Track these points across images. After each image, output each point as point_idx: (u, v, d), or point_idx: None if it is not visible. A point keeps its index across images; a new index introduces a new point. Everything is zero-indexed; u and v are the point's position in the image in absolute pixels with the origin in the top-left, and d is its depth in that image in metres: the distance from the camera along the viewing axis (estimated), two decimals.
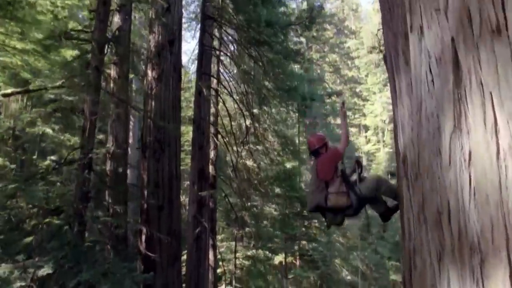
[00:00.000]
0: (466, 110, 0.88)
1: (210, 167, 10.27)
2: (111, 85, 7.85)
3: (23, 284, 4.09)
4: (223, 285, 11.03)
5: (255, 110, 9.64)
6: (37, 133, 4.89)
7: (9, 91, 4.70)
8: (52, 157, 5.07)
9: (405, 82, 1.19)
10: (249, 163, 10.68)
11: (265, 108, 9.09)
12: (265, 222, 11.07)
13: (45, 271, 4.20)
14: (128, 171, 8.47)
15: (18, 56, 6.28)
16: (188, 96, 13.91)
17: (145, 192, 8.06)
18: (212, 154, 10.54)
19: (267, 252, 10.66)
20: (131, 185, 7.71)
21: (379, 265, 13.11)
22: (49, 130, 5.00)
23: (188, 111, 14.26)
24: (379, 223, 22.25)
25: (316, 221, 9.22)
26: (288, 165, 9.16)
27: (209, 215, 9.83)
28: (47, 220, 5.55)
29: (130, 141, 11.93)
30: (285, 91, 8.35)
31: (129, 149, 8.42)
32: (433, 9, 1.02)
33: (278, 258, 11.07)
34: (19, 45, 6.13)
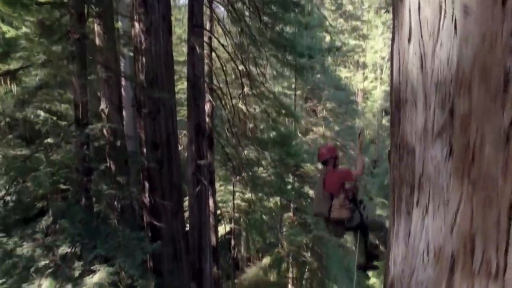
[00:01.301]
0: None
1: (207, 119, 10.30)
2: (97, 41, 7.29)
3: (47, 261, 4.54)
4: (223, 226, 12.14)
5: (250, 55, 9.21)
6: (28, 116, 4.78)
7: None
8: (49, 140, 5.05)
9: (404, 230, 1.24)
10: (244, 108, 10.66)
11: (260, 62, 8.68)
12: (261, 169, 11.61)
13: (63, 249, 4.62)
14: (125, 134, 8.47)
15: None
16: (179, 42, 13.00)
17: (144, 150, 8.23)
18: (208, 106, 10.44)
19: (264, 196, 11.43)
20: (131, 152, 7.82)
21: (366, 206, 14.29)
22: (40, 112, 4.87)
23: (179, 56, 13.50)
24: (371, 159, 23.29)
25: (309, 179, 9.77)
26: (284, 126, 9.17)
27: (207, 167, 10.23)
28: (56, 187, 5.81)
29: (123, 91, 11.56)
30: (282, 46, 7.87)
31: (123, 110, 8.26)
32: (442, 199, 1.03)
33: (273, 200, 11.95)
34: None
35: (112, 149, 6.32)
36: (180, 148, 13.31)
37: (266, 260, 8.68)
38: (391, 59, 1.37)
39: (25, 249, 4.54)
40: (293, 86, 13.84)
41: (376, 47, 22.06)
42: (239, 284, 9.25)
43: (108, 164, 6.67)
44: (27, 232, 4.82)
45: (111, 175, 6.21)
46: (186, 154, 11.53)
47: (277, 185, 8.34)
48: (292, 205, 9.06)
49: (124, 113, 8.85)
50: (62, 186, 5.85)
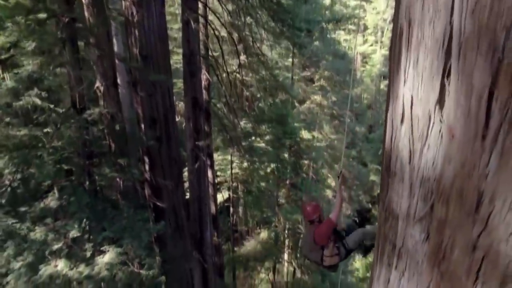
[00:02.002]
0: None
1: (204, 92, 10.23)
2: (86, 14, 6.96)
3: (60, 245, 4.85)
4: (221, 194, 12.63)
5: (247, 23, 8.89)
6: (25, 105, 4.76)
7: None
8: (48, 129, 5.10)
9: (384, 276, 1.42)
10: (239, 77, 10.55)
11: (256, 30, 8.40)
12: (258, 139, 11.81)
13: (74, 233, 4.92)
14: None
15: None
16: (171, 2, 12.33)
17: (142, 125, 8.31)
18: (204, 78, 10.29)
19: (261, 166, 11.78)
20: (130, 133, 7.86)
21: (361, 173, 14.78)
22: (36, 100, 4.85)
23: (173, 23, 12.89)
24: (367, 125, 23.47)
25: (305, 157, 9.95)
26: (281, 98, 9.13)
27: (205, 140, 10.37)
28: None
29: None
30: (280, 19, 7.59)
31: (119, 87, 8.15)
32: (417, 271, 1.20)
33: (270, 169, 12.32)
34: None
35: (111, 131, 6.38)
36: (178, 118, 13.33)
37: (264, 234, 9.26)
38: (385, 121, 1.45)
39: (38, 233, 4.83)
40: (290, 54, 13.50)
41: (379, 8, 21.03)
42: (238, 251, 9.98)
43: (108, 143, 6.78)
44: (36, 212, 5.06)
45: (112, 156, 6.34)
46: (183, 125, 11.54)
47: (273, 155, 8.58)
48: (287, 182, 9.39)
49: (119, 87, 8.71)
50: (65, 167, 6.00)
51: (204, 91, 10.33)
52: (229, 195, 13.57)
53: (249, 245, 9.50)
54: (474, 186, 0.92)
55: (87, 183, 5.73)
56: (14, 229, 4.81)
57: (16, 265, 4.55)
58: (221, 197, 12.71)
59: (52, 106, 5.03)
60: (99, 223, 5.25)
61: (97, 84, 7.38)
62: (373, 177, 16.93)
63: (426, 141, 1.06)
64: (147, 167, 8.12)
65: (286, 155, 9.41)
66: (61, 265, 4.78)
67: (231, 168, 12.70)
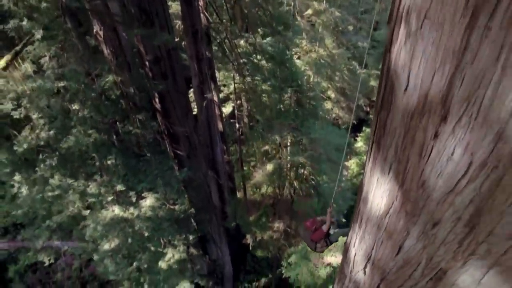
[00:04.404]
0: None
1: (202, 17, 9.88)
2: None
3: (112, 196, 6.28)
4: (225, 108, 13.57)
5: None
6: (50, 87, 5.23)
7: (3, 62, 4.66)
8: (76, 106, 5.71)
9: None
10: None
11: None
12: (259, 57, 11.90)
13: (119, 188, 6.28)
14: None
15: None
16: None
17: (147, 63, 8.70)
18: (202, 2, 9.71)
19: (261, 86, 12.30)
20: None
21: (361, 82, 15.08)
22: (59, 83, 5.28)
23: None
24: (374, 21, 22.01)
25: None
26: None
27: (207, 65, 10.67)
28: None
29: None
30: None
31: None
32: None
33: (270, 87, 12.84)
34: None
35: (126, 93, 6.87)
36: (177, 38, 12.90)
37: (270, 166, 10.64)
38: (351, 223, 2.42)
39: (93, 188, 6.19)
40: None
41: None
42: (247, 172, 11.71)
43: (125, 103, 7.40)
44: (87, 171, 6.32)
45: (131, 113, 7.06)
46: (192, 84, 11.30)
47: (272, 72, 9.09)
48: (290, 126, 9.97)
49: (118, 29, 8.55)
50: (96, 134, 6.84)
51: (202, 16, 9.92)
52: (233, 107, 14.51)
53: (258, 177, 11.15)
54: None
55: (116, 142, 6.72)
56: (72, 186, 6.15)
57: (86, 212, 6.09)
58: (225, 111, 13.70)
59: (72, 84, 5.53)
60: (135, 176, 6.55)
61: (96, 28, 7.40)
62: (373, 83, 17.29)
63: (357, 273, 2.09)
64: (157, 100, 8.84)
65: (288, 97, 9.78)
66: (116, 210, 6.34)
67: (234, 83, 13.17)
